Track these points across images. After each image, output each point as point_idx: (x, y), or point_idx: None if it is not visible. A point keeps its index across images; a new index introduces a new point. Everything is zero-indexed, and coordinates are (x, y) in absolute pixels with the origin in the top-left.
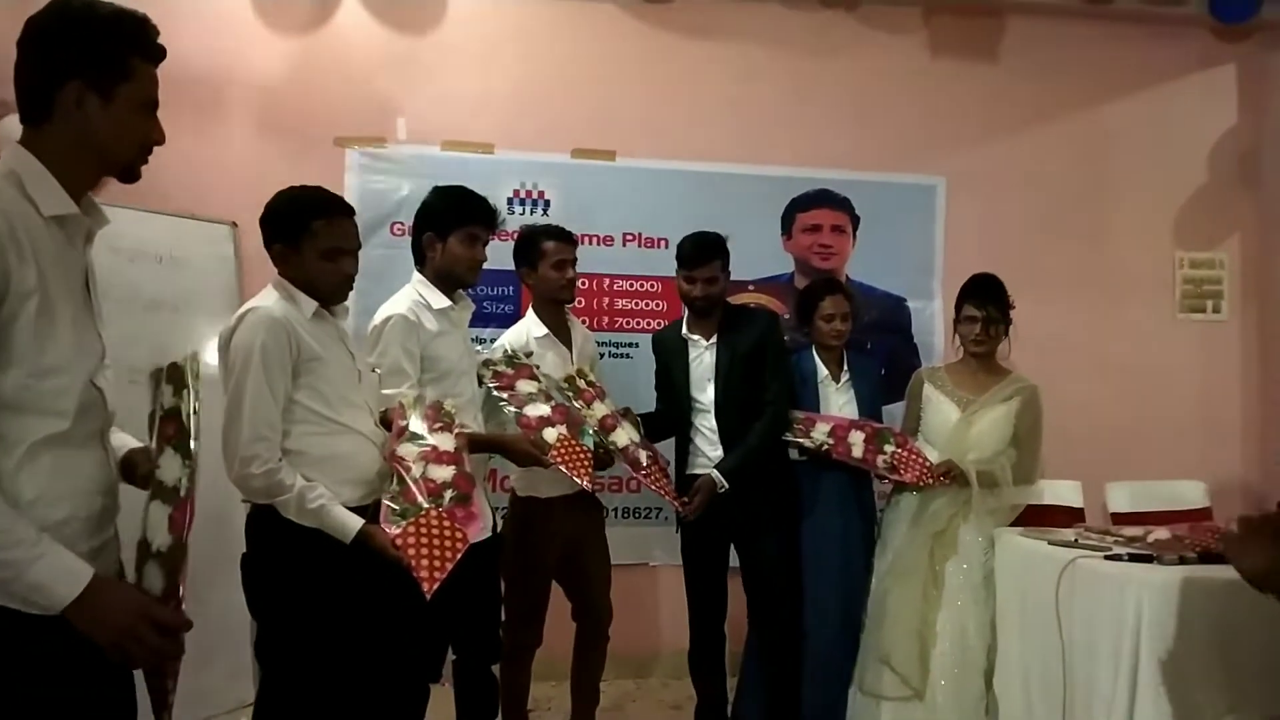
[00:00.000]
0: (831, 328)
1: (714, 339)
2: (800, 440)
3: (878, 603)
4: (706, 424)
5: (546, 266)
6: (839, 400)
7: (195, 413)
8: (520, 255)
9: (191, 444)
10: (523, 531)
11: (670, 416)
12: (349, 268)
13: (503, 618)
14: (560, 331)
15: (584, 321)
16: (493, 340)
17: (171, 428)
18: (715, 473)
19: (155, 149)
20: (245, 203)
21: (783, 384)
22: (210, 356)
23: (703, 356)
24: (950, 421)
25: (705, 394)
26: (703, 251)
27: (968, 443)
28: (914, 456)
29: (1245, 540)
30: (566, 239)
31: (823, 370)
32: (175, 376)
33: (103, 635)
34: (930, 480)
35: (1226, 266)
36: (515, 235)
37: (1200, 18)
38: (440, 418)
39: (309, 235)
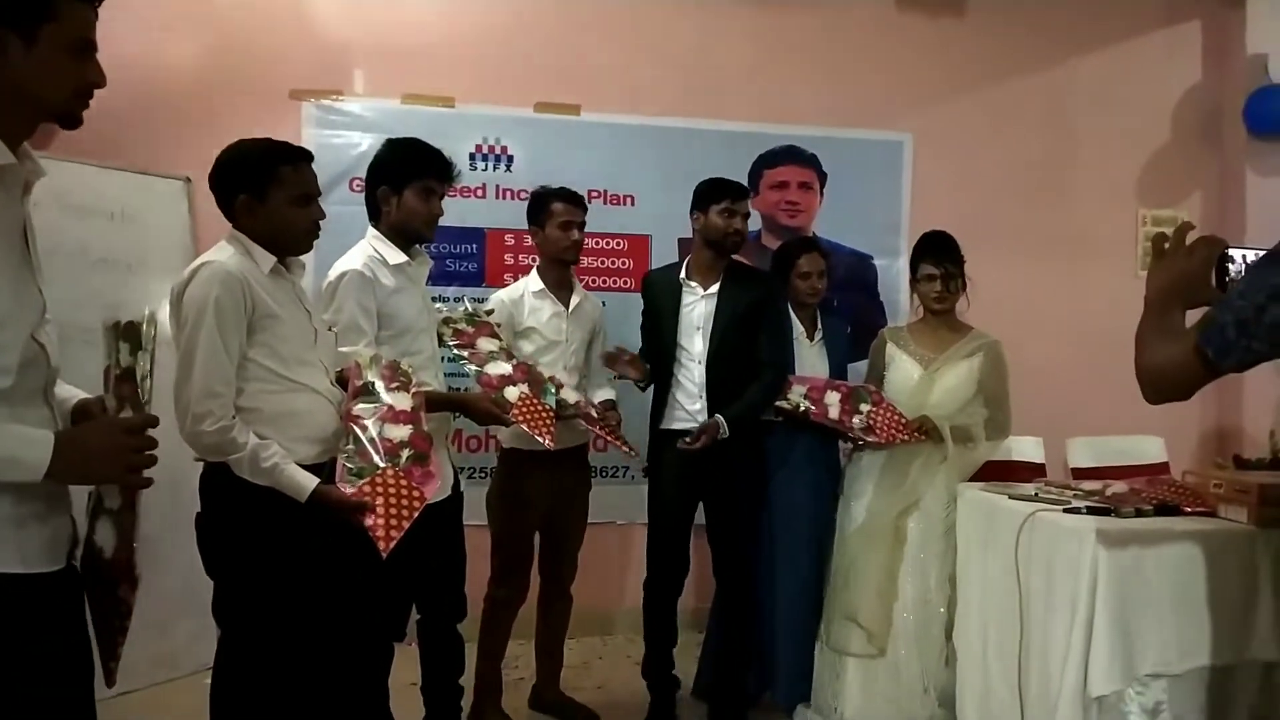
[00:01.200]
0: (808, 285)
1: (714, 288)
2: (779, 403)
3: (844, 561)
4: (690, 376)
5: (553, 226)
6: (812, 358)
7: (149, 375)
8: (530, 214)
9: (146, 410)
10: (510, 484)
11: (652, 364)
12: (318, 214)
13: (487, 572)
14: (561, 289)
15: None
16: (456, 299)
17: (127, 388)
18: (721, 418)
19: (113, 106)
20: (199, 157)
21: (781, 347)
22: (165, 315)
23: (697, 305)
24: (913, 380)
25: (693, 344)
26: (742, 187)
27: (931, 400)
28: (890, 414)
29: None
30: (576, 202)
31: (798, 328)
32: (131, 335)
33: (94, 477)
34: (906, 437)
35: None
36: (477, 192)
37: None
38: (397, 377)
39: (277, 182)
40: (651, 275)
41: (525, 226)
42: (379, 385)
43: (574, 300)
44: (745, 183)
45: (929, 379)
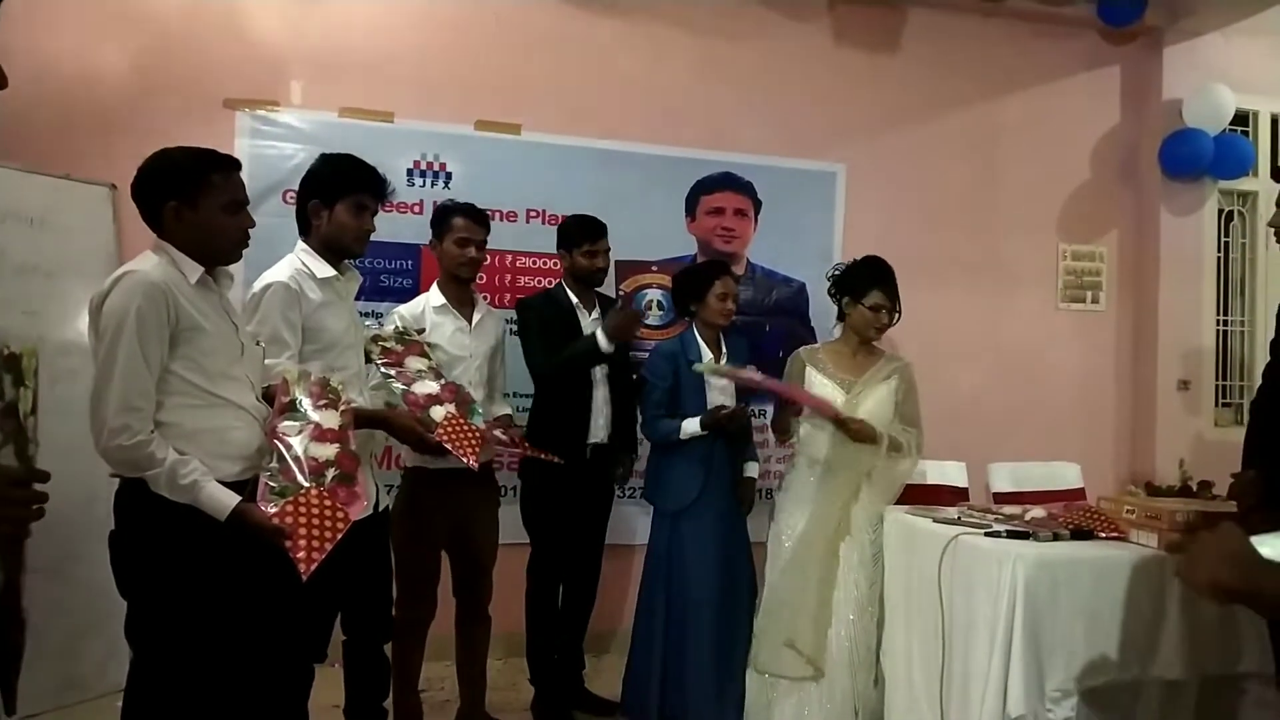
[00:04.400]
0: (724, 307)
1: (596, 314)
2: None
3: (780, 587)
4: (599, 394)
5: (450, 241)
6: (719, 380)
7: (32, 413)
8: (432, 227)
9: (30, 447)
10: (412, 502)
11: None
12: (248, 222)
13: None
14: (462, 305)
15: (485, 298)
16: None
17: (10, 424)
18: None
19: (39, 110)
20: (126, 163)
21: None
22: (85, 325)
23: (587, 329)
24: (837, 404)
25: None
26: (600, 226)
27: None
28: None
29: (1193, 555)
30: (477, 218)
31: (706, 352)
32: (13, 367)
33: None
34: (833, 414)
35: (1105, 259)
36: (414, 208)
37: (1089, 19)
38: (326, 394)
39: (208, 189)
40: (541, 301)
41: None
42: (306, 402)
43: (476, 316)
44: (684, 207)
45: (852, 403)
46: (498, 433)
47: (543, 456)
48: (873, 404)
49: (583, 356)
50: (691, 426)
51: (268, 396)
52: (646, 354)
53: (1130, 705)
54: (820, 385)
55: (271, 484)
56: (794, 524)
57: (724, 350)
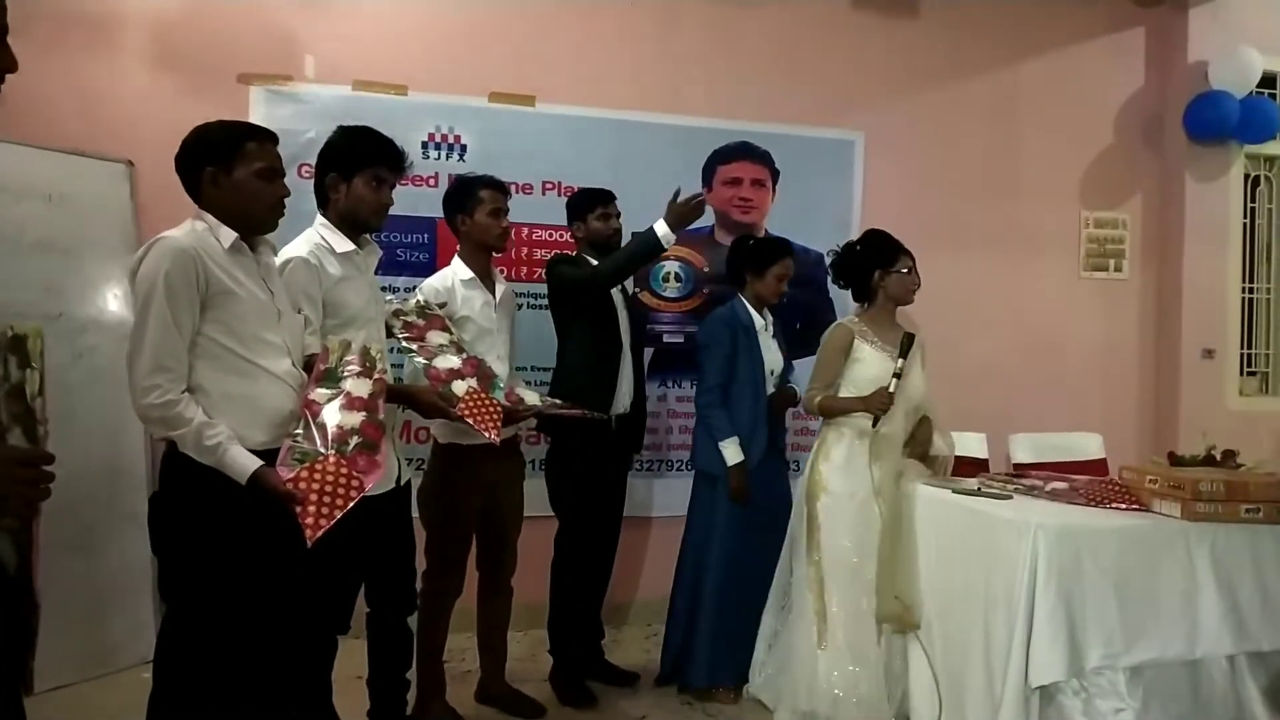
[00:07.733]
0: (779, 288)
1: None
2: None
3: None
4: (626, 362)
5: (483, 214)
6: (774, 349)
7: (40, 394)
8: (453, 202)
9: (39, 428)
10: (445, 478)
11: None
12: (283, 190)
13: (422, 566)
14: (485, 278)
15: (502, 271)
16: (407, 289)
17: (18, 405)
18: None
19: (52, 87)
20: (142, 140)
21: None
22: (105, 301)
23: (614, 295)
24: (889, 374)
25: (624, 334)
26: (609, 192)
27: (908, 391)
28: None
29: None
30: (502, 188)
31: (759, 320)
32: (18, 349)
33: None
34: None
35: (1129, 226)
36: (429, 181)
37: None
38: (363, 363)
39: (243, 156)
40: (569, 258)
41: None
42: (343, 370)
43: (499, 290)
44: (700, 177)
45: (902, 382)
46: (555, 401)
47: (592, 416)
48: (914, 375)
49: (643, 251)
50: (732, 454)
51: (309, 367)
52: (663, 326)
53: (1193, 682)
54: (871, 357)
55: (294, 449)
56: (851, 489)
57: (767, 320)
